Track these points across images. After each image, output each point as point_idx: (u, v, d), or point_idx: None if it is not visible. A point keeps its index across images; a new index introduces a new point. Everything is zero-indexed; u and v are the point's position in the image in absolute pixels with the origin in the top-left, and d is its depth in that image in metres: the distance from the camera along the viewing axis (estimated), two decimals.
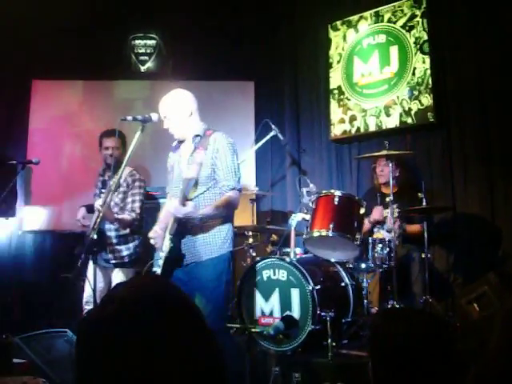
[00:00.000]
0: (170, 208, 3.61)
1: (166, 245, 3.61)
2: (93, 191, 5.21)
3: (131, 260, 4.88)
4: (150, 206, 5.45)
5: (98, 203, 4.26)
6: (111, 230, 4.82)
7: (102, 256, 4.77)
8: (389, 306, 4.62)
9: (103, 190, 4.66)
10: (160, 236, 3.72)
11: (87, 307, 4.72)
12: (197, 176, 3.53)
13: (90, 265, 4.50)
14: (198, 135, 3.79)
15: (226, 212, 3.74)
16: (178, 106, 3.81)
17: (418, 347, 1.60)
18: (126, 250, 4.86)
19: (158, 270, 3.65)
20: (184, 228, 3.64)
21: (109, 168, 4.92)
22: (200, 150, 3.65)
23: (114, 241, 4.82)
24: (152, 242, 3.78)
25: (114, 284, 4.70)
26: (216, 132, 3.79)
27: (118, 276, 4.85)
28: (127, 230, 4.86)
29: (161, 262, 3.62)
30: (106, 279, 4.88)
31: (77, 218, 5.03)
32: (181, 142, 3.93)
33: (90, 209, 4.94)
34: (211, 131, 3.79)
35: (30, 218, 6.70)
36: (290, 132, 6.93)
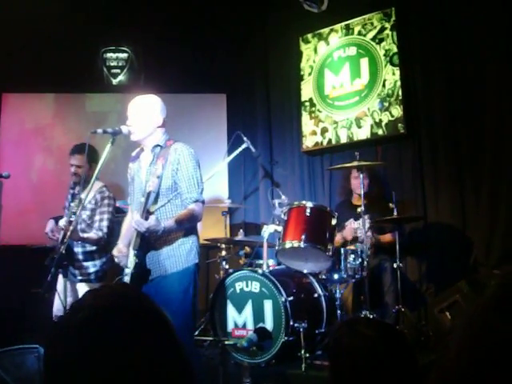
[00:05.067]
0: (132, 222, 3.46)
1: (131, 261, 3.52)
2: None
3: (97, 277, 4.78)
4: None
5: (61, 222, 4.27)
6: (78, 246, 4.73)
7: (70, 271, 4.69)
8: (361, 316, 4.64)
9: (72, 204, 4.59)
10: (124, 253, 3.65)
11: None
12: (156, 190, 3.47)
13: (60, 279, 4.45)
14: (158, 145, 3.68)
15: (189, 225, 3.65)
16: (151, 112, 3.68)
17: (371, 357, 1.62)
18: (92, 267, 4.76)
19: None
20: (147, 242, 3.54)
21: (77, 183, 4.82)
22: (160, 161, 3.59)
23: (81, 257, 4.73)
24: (116, 260, 3.71)
25: None
26: (177, 142, 3.68)
27: (83, 290, 4.77)
28: (93, 247, 4.74)
29: (127, 279, 3.55)
30: (74, 293, 4.81)
31: (45, 231, 4.92)
32: (140, 151, 3.83)
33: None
34: (172, 141, 3.68)
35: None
36: (262, 144, 6.95)
